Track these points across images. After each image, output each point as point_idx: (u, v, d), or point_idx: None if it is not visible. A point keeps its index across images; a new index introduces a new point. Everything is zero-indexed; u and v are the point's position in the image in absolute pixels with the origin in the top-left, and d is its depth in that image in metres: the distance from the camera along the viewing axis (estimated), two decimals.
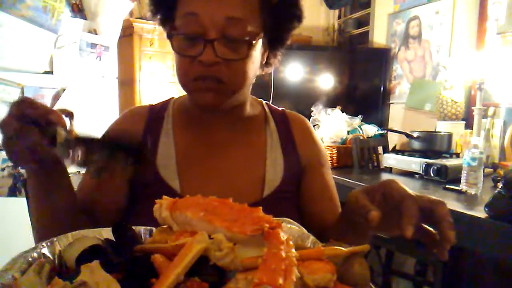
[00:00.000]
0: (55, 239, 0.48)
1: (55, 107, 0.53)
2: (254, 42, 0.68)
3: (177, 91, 0.87)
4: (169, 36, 0.73)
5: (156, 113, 0.81)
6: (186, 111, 0.81)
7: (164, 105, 0.83)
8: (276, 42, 0.79)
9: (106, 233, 0.51)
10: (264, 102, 0.89)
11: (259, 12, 0.70)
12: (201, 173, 0.76)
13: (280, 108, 0.89)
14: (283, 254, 0.36)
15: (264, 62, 0.79)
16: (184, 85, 0.71)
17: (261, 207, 0.43)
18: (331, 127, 2.41)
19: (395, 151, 2.32)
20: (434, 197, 0.52)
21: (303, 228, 0.56)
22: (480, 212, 1.28)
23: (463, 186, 1.56)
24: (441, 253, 0.50)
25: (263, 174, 0.77)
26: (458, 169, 1.66)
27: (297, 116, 0.89)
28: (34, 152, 0.51)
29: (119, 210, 0.75)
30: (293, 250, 0.38)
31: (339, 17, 3.80)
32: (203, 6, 0.65)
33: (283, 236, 0.39)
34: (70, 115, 0.54)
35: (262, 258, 0.37)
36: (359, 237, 0.59)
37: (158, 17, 0.76)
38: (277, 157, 0.80)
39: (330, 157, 2.28)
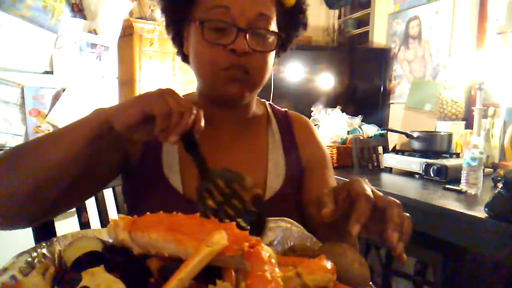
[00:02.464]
0: (55, 239, 0.48)
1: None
2: (282, 36, 0.73)
3: (178, 91, 0.86)
4: (177, 24, 0.76)
5: None
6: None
7: None
8: (281, 47, 0.81)
9: (106, 232, 0.51)
10: (267, 102, 0.89)
11: (275, 14, 0.73)
12: None
13: (283, 109, 0.89)
14: (269, 276, 0.33)
15: None
16: (210, 75, 0.71)
17: (234, 223, 0.41)
18: (331, 127, 2.41)
19: (395, 151, 2.32)
20: (392, 199, 0.50)
21: (303, 228, 0.56)
22: (480, 212, 1.28)
23: (463, 186, 1.56)
24: (396, 254, 0.47)
25: (265, 176, 0.77)
26: (458, 169, 1.66)
27: (299, 117, 0.89)
28: (180, 126, 0.54)
29: (102, 184, 0.76)
30: (277, 269, 0.35)
31: (339, 17, 3.80)
32: (235, 0, 0.68)
33: (265, 254, 0.36)
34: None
35: (246, 283, 0.33)
36: (338, 236, 0.59)
37: (169, 9, 0.76)
38: (278, 158, 0.80)
39: (330, 157, 2.28)
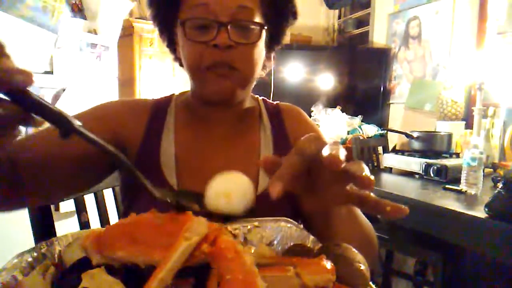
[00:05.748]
0: (55, 239, 0.48)
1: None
2: (265, 28, 0.71)
3: (178, 91, 0.87)
4: (169, 30, 0.75)
5: (160, 108, 0.80)
6: (187, 108, 0.81)
7: (167, 100, 0.83)
8: (272, 40, 0.79)
9: None
10: (260, 98, 0.89)
11: (260, 5, 0.72)
12: (197, 171, 0.75)
13: (274, 102, 0.89)
14: (240, 276, 0.31)
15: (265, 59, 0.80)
16: (196, 74, 0.71)
17: (190, 212, 0.38)
18: (331, 127, 2.41)
19: (395, 151, 2.32)
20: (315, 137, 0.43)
21: (303, 228, 0.56)
22: (480, 212, 1.28)
23: (463, 186, 1.56)
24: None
25: (257, 171, 0.77)
26: (458, 169, 1.66)
27: (290, 107, 0.88)
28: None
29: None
30: (246, 258, 0.33)
31: (339, 17, 3.80)
32: None
33: (228, 248, 0.33)
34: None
35: None
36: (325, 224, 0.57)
37: (158, 16, 0.77)
38: (269, 153, 0.79)
39: None
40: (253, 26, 0.70)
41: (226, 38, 0.66)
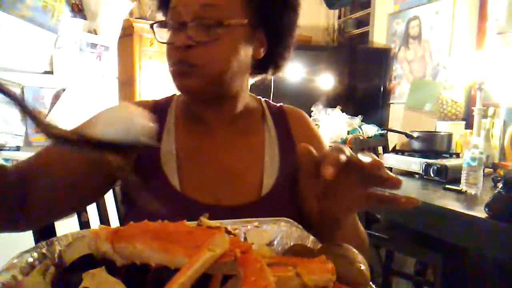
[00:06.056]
0: (55, 239, 0.48)
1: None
2: (225, 23, 0.68)
3: (178, 92, 0.87)
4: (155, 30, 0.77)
5: (160, 109, 0.81)
6: (186, 108, 0.81)
7: (168, 100, 0.83)
8: (275, 37, 0.76)
9: None
10: (262, 99, 0.88)
11: (241, 1, 0.70)
12: (200, 171, 0.75)
13: (278, 104, 0.88)
14: (263, 283, 0.33)
15: (261, 58, 0.77)
16: (169, 72, 0.74)
17: (223, 228, 0.40)
18: (331, 127, 2.41)
19: (395, 151, 2.32)
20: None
21: (303, 229, 0.56)
22: (480, 212, 1.28)
23: (463, 186, 1.56)
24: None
25: (262, 172, 0.77)
26: (458, 169, 1.66)
27: (294, 110, 0.88)
28: None
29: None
30: (270, 275, 0.34)
31: (339, 17, 3.80)
32: None
33: (257, 259, 0.35)
34: None
35: None
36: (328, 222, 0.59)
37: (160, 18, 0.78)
38: (274, 154, 0.79)
39: None
40: (218, 24, 0.67)
41: (183, 38, 0.67)
